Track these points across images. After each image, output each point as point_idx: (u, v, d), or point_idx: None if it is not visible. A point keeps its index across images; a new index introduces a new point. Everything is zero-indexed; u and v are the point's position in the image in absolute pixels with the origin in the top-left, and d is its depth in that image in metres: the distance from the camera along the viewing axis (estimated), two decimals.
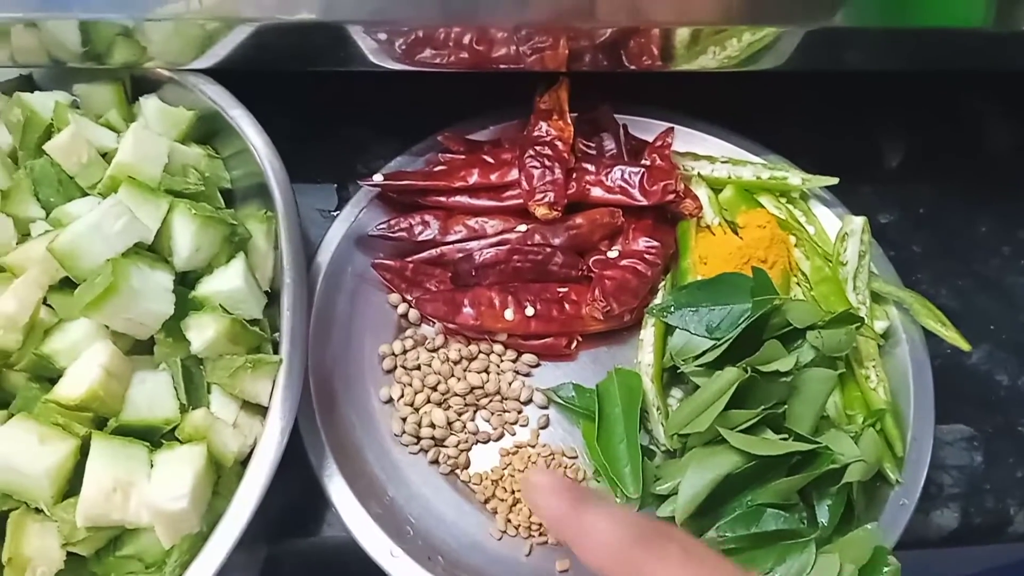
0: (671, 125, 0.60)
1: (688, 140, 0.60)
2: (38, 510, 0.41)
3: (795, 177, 0.57)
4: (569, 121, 0.57)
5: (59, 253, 0.42)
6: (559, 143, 0.56)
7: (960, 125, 0.67)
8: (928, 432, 0.50)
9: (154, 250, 0.45)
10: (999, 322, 0.60)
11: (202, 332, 0.43)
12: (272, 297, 0.48)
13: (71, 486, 0.41)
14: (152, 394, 0.42)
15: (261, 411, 0.44)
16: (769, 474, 0.45)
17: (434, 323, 0.54)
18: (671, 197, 0.55)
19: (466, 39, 0.52)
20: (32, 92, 0.53)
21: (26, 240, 0.46)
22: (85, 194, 0.48)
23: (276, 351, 0.46)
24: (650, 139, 0.59)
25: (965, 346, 0.52)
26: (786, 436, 0.46)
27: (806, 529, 0.44)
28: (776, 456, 0.44)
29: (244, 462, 0.43)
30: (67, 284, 0.43)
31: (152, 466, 0.40)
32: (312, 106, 0.64)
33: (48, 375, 0.43)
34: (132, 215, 0.43)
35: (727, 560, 0.30)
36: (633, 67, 0.55)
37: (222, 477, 0.42)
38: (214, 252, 0.47)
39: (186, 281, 0.46)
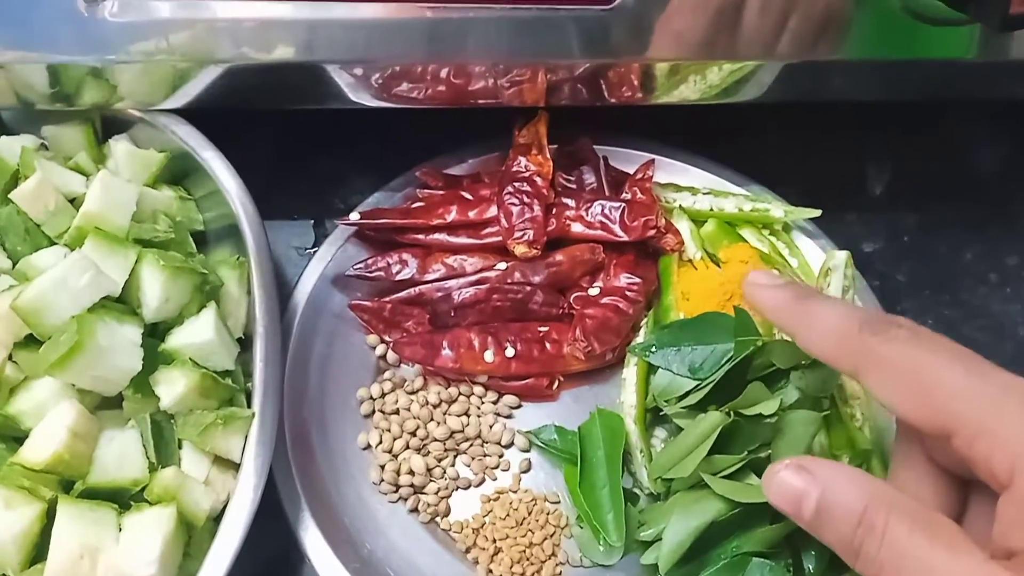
0: (652, 157, 0.59)
1: (669, 171, 0.59)
2: None
3: (777, 209, 0.56)
4: (548, 156, 0.57)
5: (23, 311, 0.40)
6: (538, 179, 0.55)
7: (944, 152, 0.67)
8: None
9: (122, 301, 0.44)
10: (986, 351, 0.58)
11: (172, 387, 0.42)
12: (245, 343, 0.47)
13: (38, 551, 0.39)
14: (121, 453, 0.41)
15: (234, 466, 0.43)
16: (754, 521, 0.44)
17: (413, 364, 0.53)
18: (652, 232, 0.54)
19: (443, 75, 0.51)
20: None
21: None
22: (53, 243, 0.47)
23: (249, 402, 0.45)
24: (631, 170, 0.59)
25: None
26: None
27: None
28: (761, 502, 0.44)
29: (217, 518, 0.42)
30: (33, 340, 0.42)
31: (120, 530, 0.39)
32: (289, 142, 0.63)
33: (14, 435, 0.42)
34: (98, 269, 0.42)
35: (953, 342, 0.31)
36: (613, 100, 0.54)
37: (193, 537, 0.41)
38: (184, 302, 0.45)
39: (156, 332, 0.45)
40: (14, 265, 0.47)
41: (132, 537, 0.39)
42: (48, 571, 0.38)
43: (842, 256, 0.53)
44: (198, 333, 0.44)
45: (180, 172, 0.54)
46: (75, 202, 0.49)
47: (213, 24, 0.47)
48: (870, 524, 0.29)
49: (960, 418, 0.29)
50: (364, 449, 0.51)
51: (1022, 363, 0.58)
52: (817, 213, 0.56)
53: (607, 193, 0.57)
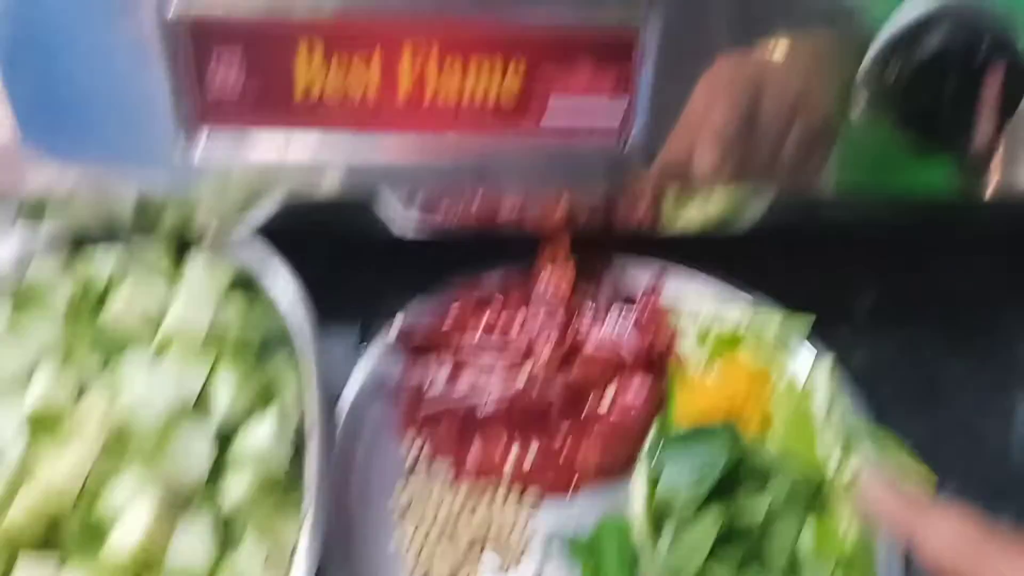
0: (662, 271, 0.65)
1: (676, 286, 0.66)
2: None
3: (773, 320, 0.62)
4: (568, 272, 0.63)
5: (114, 420, 0.47)
6: (558, 295, 0.62)
7: (930, 271, 0.72)
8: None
9: (197, 405, 0.51)
10: (969, 460, 0.64)
11: (236, 486, 0.49)
12: (298, 444, 0.53)
13: None
14: (190, 545, 0.47)
15: (289, 558, 0.49)
16: None
17: (443, 464, 0.59)
18: (660, 348, 0.60)
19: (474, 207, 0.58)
20: (87, 246, 0.59)
21: (83, 397, 0.51)
22: (139, 352, 0.54)
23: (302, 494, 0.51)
24: (642, 280, 0.65)
25: (931, 479, 0.56)
26: None
27: None
28: None
29: None
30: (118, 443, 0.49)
31: None
32: (334, 255, 0.70)
33: (95, 532, 0.47)
34: (181, 377, 0.49)
35: None
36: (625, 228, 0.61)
37: None
38: (249, 406, 0.52)
39: (223, 433, 0.51)
40: (104, 370, 0.53)
41: None
42: None
43: (826, 367, 0.59)
44: (260, 435, 0.50)
45: (242, 282, 0.61)
46: (157, 313, 0.56)
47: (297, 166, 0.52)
48: None
49: None
50: (395, 547, 0.56)
51: (1001, 471, 0.63)
52: (810, 319, 0.62)
53: (619, 308, 0.64)
